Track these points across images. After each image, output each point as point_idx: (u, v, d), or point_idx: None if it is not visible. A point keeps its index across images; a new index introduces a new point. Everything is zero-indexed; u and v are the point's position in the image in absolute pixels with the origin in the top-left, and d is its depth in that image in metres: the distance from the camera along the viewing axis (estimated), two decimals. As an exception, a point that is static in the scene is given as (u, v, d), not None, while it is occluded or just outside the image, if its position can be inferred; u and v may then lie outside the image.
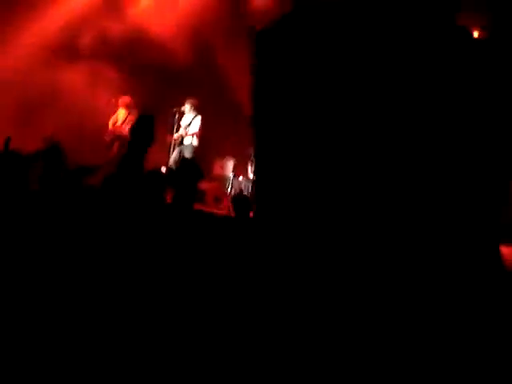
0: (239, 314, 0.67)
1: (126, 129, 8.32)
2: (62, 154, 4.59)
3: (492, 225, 0.60)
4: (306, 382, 0.57)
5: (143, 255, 2.70)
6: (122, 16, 10.09)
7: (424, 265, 0.56)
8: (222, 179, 9.61)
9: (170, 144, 9.53)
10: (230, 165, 9.72)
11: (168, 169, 8.25)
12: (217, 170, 9.77)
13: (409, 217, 0.58)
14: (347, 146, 0.60)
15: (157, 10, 10.02)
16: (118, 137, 8.95)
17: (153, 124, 4.17)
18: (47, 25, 9.77)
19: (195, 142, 9.32)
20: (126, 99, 9.25)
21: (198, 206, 5.46)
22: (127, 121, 8.90)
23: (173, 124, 9.48)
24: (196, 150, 9.25)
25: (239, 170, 9.69)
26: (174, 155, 9.33)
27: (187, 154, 9.15)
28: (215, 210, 7.38)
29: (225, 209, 7.97)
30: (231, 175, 9.59)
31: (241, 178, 9.55)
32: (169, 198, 4.16)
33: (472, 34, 0.70)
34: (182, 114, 9.45)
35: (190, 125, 9.34)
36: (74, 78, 9.69)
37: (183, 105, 9.39)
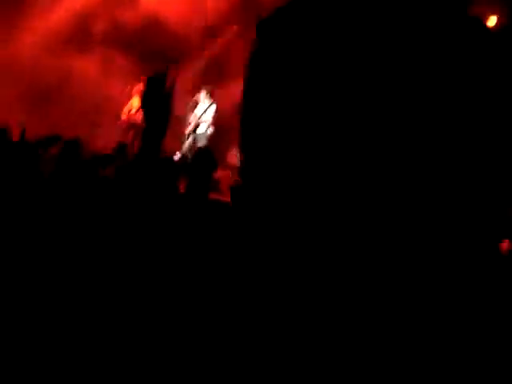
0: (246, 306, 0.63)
1: (141, 117, 8.28)
2: (80, 148, 4.54)
3: (495, 224, 0.56)
4: (307, 381, 0.56)
5: (157, 245, 2.64)
6: (134, 2, 10.02)
7: (425, 263, 0.56)
8: (236, 168, 9.56)
9: (184, 132, 9.50)
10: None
11: (182, 156, 8.21)
12: (231, 159, 9.73)
13: (409, 213, 0.55)
14: (346, 138, 0.55)
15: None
16: (132, 125, 8.92)
17: (165, 87, 3.90)
18: (60, 12, 9.73)
19: (210, 130, 9.27)
20: (140, 87, 9.20)
21: (212, 195, 5.41)
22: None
23: (187, 112, 9.45)
24: (210, 139, 9.21)
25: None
26: (187, 143, 9.29)
27: (201, 143, 9.10)
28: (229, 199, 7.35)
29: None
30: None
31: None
32: (182, 187, 4.11)
33: (486, 24, 0.63)
34: (196, 101, 9.40)
35: (204, 113, 9.29)
36: (86, 66, 9.65)
37: (198, 92, 9.35)
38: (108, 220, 2.93)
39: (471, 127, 0.53)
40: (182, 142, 9.43)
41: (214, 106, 9.28)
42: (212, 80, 9.53)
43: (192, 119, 9.43)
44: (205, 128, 9.29)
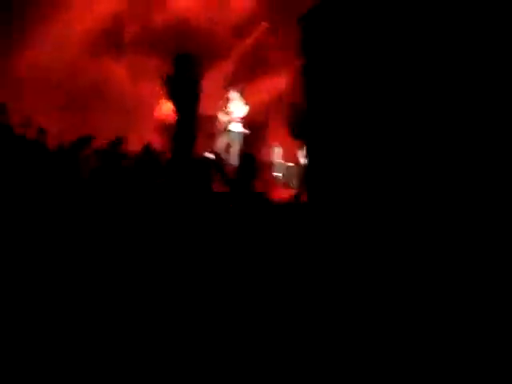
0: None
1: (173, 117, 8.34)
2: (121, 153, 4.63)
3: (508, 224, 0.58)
4: (307, 380, 0.58)
5: (194, 243, 2.71)
6: (163, 4, 10.11)
7: (432, 264, 0.56)
8: (270, 165, 9.57)
9: (214, 131, 9.51)
10: (277, 151, 9.71)
11: (215, 154, 8.24)
12: (264, 157, 9.72)
13: (420, 213, 0.55)
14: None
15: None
16: (165, 126, 8.99)
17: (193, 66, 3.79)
18: (93, 17, 9.89)
19: (242, 129, 9.28)
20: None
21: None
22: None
23: (217, 111, 9.47)
24: (244, 138, 9.23)
25: (285, 156, 9.66)
26: (220, 141, 9.31)
27: (236, 142, 9.12)
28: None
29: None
30: (280, 161, 9.58)
31: (290, 163, 9.52)
32: (215, 186, 4.14)
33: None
34: (227, 100, 9.41)
35: (236, 111, 9.30)
36: (119, 69, 9.79)
37: (228, 91, 9.37)
38: (146, 218, 3.00)
39: (484, 128, 0.54)
40: (213, 141, 9.45)
41: (246, 106, 9.29)
42: (241, 79, 9.55)
43: (223, 118, 9.45)
44: (237, 127, 9.30)
